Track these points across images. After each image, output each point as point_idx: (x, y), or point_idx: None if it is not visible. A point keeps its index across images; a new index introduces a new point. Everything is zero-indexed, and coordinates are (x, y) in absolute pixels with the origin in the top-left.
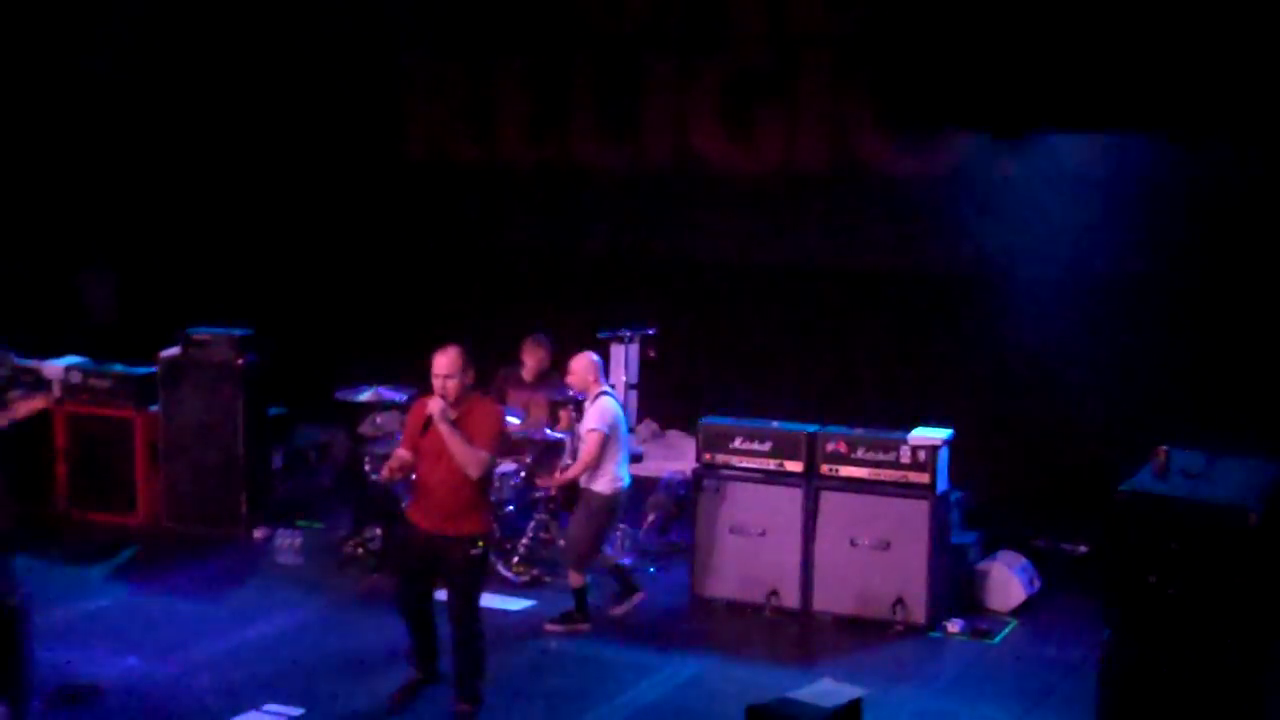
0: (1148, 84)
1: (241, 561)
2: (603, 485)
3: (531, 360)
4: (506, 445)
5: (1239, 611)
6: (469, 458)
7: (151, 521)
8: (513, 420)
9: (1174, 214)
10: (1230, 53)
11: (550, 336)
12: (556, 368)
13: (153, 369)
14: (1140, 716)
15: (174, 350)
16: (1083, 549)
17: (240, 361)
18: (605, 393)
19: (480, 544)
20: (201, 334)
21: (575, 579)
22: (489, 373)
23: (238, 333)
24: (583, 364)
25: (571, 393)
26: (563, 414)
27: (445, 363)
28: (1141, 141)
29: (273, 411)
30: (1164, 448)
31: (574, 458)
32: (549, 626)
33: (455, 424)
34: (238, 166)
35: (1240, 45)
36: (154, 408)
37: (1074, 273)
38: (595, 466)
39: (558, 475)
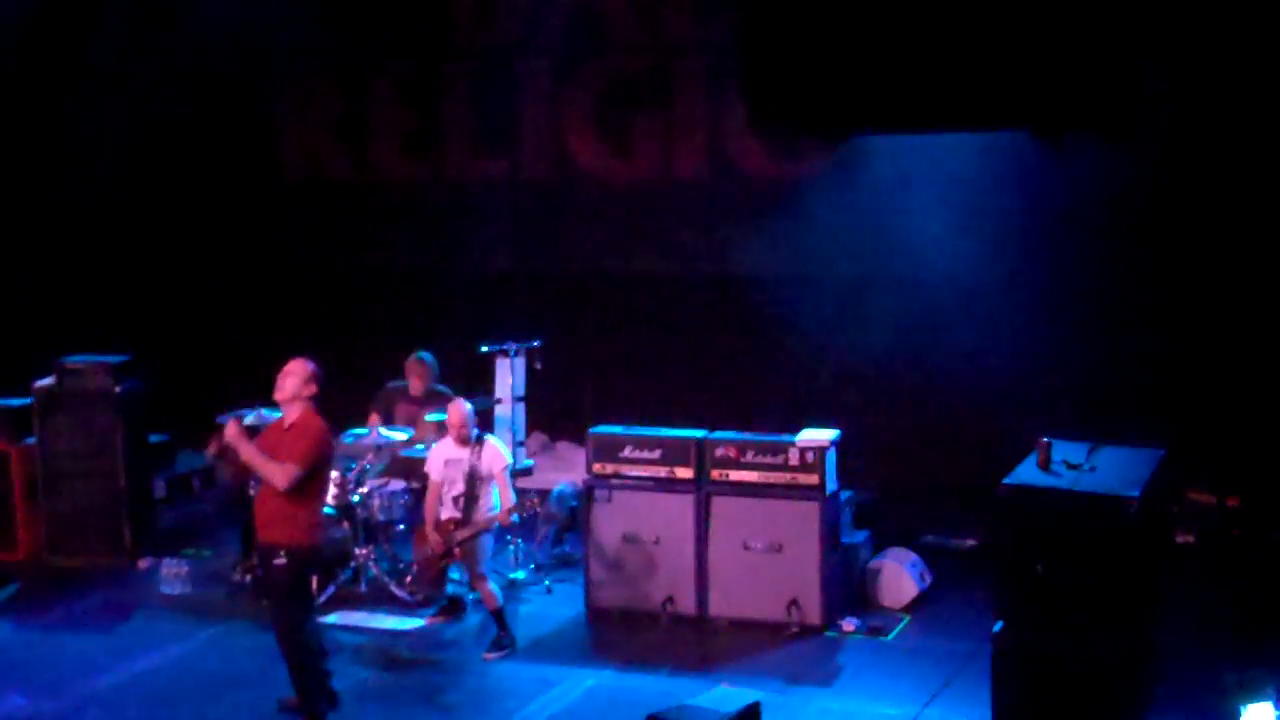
0: (1013, 84)
1: (127, 593)
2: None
3: (418, 379)
4: (325, 462)
5: (1124, 598)
6: (269, 471)
7: (33, 556)
8: (401, 435)
9: (1046, 213)
10: (1093, 51)
11: (433, 353)
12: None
13: (27, 400)
14: (1033, 704)
15: (48, 380)
16: (971, 543)
17: (118, 389)
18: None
19: (283, 555)
20: (76, 362)
21: (492, 600)
22: (372, 391)
23: (114, 359)
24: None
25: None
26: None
27: (290, 364)
28: (1015, 142)
29: (154, 438)
30: (1046, 440)
31: (466, 484)
32: (487, 656)
33: (286, 433)
34: (108, 187)
35: (1106, 43)
36: (30, 440)
37: (951, 272)
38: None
39: (495, 516)
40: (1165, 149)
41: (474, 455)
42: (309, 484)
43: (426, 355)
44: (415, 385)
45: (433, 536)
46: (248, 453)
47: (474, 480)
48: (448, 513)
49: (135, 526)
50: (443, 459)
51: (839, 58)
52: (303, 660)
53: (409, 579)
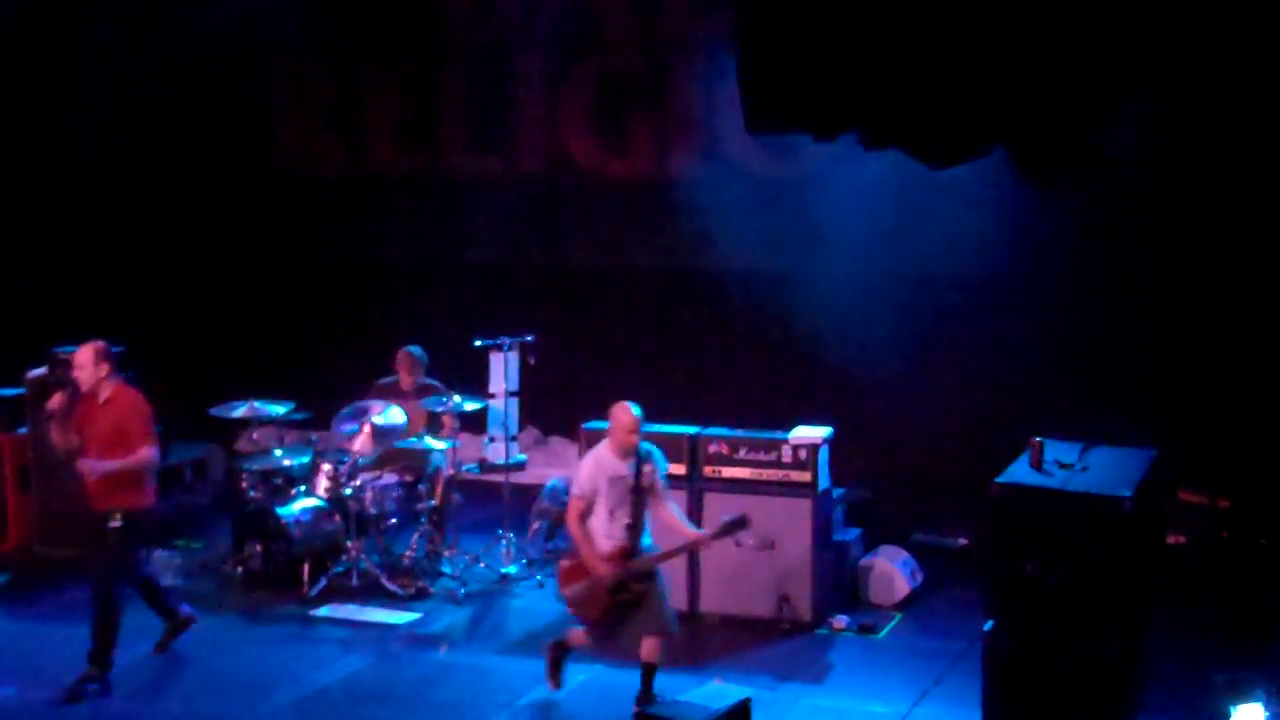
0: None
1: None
2: None
3: (407, 373)
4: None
5: (1115, 598)
6: (138, 464)
7: (24, 547)
8: (398, 419)
9: (1039, 213)
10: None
11: (425, 347)
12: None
13: (19, 390)
14: (1024, 704)
15: (41, 370)
16: (962, 541)
17: None
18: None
19: (119, 517)
20: (69, 352)
21: (655, 653)
22: (364, 384)
23: None
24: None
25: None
26: (445, 420)
27: (77, 354)
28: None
29: None
30: (1038, 439)
31: (634, 505)
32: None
33: (102, 408)
34: (102, 177)
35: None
36: (22, 430)
37: (945, 271)
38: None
39: (698, 536)
40: (1157, 151)
41: (640, 469)
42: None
43: (415, 349)
44: (405, 379)
45: (602, 569)
46: (108, 467)
47: (641, 499)
48: (610, 540)
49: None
50: (604, 476)
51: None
52: (109, 615)
53: (400, 573)
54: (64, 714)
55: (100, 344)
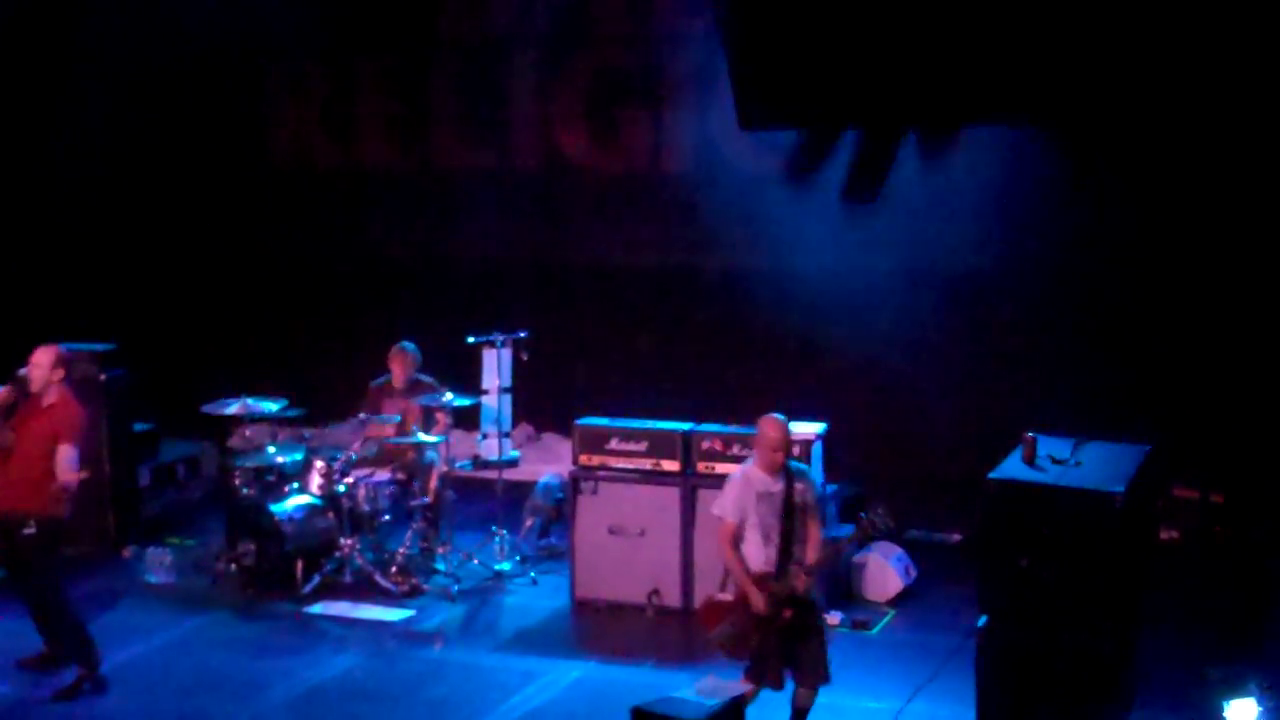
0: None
1: (111, 582)
2: None
3: (400, 369)
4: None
5: (1109, 593)
6: (63, 463)
7: None
8: (388, 423)
9: (1033, 209)
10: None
11: (419, 343)
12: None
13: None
14: (1018, 699)
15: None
16: (956, 537)
17: (103, 377)
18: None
19: (33, 524)
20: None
21: (810, 701)
22: (362, 382)
23: (100, 348)
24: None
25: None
26: (440, 417)
27: (35, 353)
28: (1004, 137)
29: (139, 427)
30: (1031, 435)
31: (783, 524)
32: None
33: (44, 412)
34: (96, 175)
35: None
36: None
37: (939, 267)
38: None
39: (841, 541)
40: (1152, 145)
41: (791, 485)
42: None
43: (408, 345)
44: (397, 375)
45: (756, 596)
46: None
47: (793, 518)
48: (757, 564)
49: (120, 515)
50: (752, 493)
51: (826, 52)
52: (65, 618)
53: (393, 570)
54: (56, 711)
55: (61, 349)
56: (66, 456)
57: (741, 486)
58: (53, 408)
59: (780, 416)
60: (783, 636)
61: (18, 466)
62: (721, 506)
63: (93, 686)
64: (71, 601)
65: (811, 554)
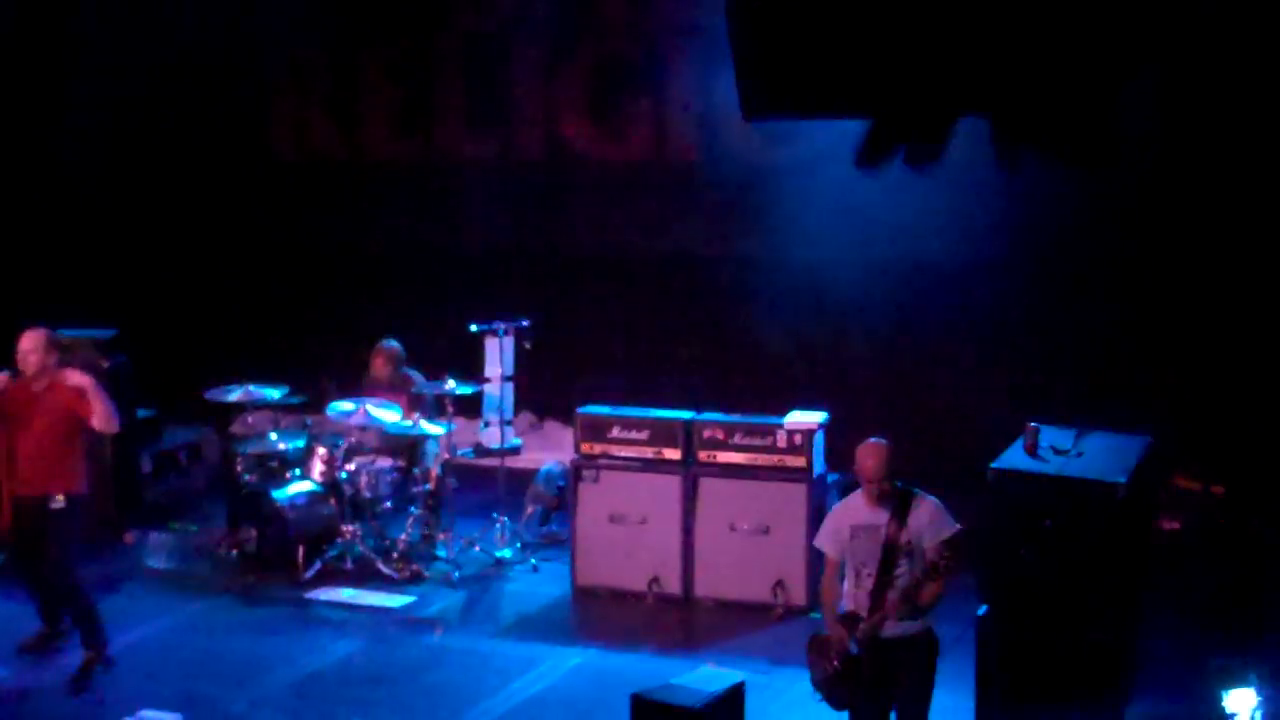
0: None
1: (113, 567)
2: None
3: (384, 365)
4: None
5: (1109, 583)
6: (101, 416)
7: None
8: (391, 414)
9: (1033, 198)
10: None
11: (421, 333)
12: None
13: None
14: (1018, 688)
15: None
16: (957, 527)
17: (106, 363)
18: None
19: (62, 499)
20: (64, 337)
21: None
22: (358, 368)
23: (102, 334)
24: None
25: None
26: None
27: (25, 340)
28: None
29: (141, 413)
30: (1033, 425)
31: (883, 558)
32: None
33: (41, 395)
34: (99, 164)
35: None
36: None
37: (941, 257)
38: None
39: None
40: (1152, 137)
41: (901, 520)
42: (78, 436)
43: (391, 342)
44: (380, 372)
45: (836, 633)
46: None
47: (894, 553)
48: (850, 602)
49: (121, 500)
50: (847, 525)
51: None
52: (79, 601)
53: (395, 556)
54: (58, 695)
55: (52, 332)
56: (101, 411)
57: (837, 516)
58: (57, 386)
59: (879, 440)
60: (874, 684)
61: (36, 450)
62: (819, 536)
63: (104, 668)
64: (84, 582)
65: (892, 598)
